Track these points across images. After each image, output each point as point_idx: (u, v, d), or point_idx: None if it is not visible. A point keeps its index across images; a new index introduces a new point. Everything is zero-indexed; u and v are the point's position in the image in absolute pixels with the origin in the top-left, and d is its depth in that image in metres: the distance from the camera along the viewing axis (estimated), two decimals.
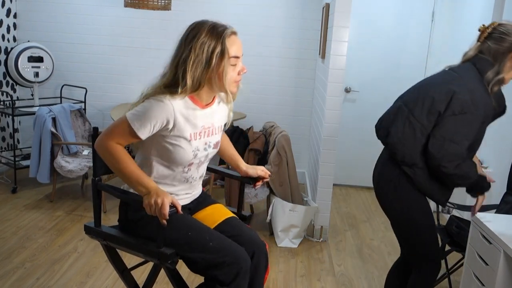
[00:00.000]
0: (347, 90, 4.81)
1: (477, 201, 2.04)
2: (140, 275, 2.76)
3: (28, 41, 4.59)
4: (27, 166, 4.12)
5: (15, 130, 4.88)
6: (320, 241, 3.58)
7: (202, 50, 1.65)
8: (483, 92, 1.88)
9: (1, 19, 4.52)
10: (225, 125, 1.97)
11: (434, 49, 4.67)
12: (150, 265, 2.17)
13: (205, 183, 3.50)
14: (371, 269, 3.19)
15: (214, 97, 1.85)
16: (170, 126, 1.69)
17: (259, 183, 2.09)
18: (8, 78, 4.59)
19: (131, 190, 1.85)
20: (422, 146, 1.91)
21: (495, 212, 2.58)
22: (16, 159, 4.22)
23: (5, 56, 4.42)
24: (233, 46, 1.70)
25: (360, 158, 4.82)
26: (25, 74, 4.29)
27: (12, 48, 4.37)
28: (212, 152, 1.89)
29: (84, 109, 4.64)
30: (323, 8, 4.33)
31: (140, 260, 2.02)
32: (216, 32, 1.68)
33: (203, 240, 1.75)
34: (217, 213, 1.96)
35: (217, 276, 1.72)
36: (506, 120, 2.44)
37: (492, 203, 2.74)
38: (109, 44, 4.78)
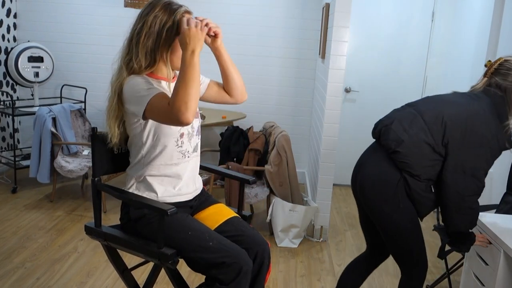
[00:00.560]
0: (347, 90, 4.81)
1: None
2: (140, 275, 2.76)
3: (28, 41, 4.59)
4: (27, 166, 4.13)
5: (15, 130, 4.88)
6: (320, 241, 3.58)
7: (154, 23, 1.72)
8: (498, 125, 1.90)
9: (1, 19, 4.52)
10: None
11: (434, 49, 4.66)
12: (150, 265, 2.18)
13: (205, 183, 3.50)
14: None
15: None
16: None
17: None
18: (8, 78, 4.59)
19: (131, 190, 1.87)
20: (430, 161, 1.91)
21: (495, 212, 2.58)
22: (16, 159, 4.22)
23: (5, 56, 4.42)
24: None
25: None
26: (25, 74, 4.29)
27: (12, 48, 4.37)
28: (195, 121, 1.89)
29: (84, 109, 4.65)
30: (323, 8, 4.33)
31: (140, 260, 2.02)
32: (170, 8, 1.75)
33: (203, 241, 1.75)
34: (219, 213, 1.97)
35: (217, 276, 1.73)
36: None
37: (492, 203, 2.74)
38: (109, 44, 4.78)
